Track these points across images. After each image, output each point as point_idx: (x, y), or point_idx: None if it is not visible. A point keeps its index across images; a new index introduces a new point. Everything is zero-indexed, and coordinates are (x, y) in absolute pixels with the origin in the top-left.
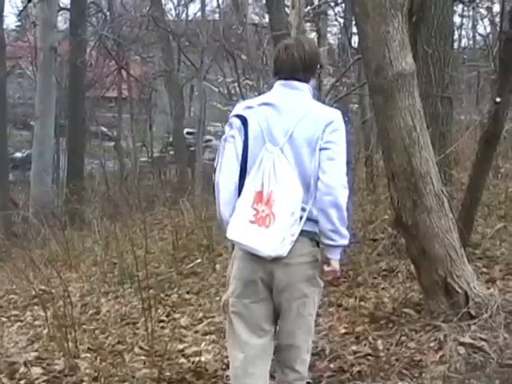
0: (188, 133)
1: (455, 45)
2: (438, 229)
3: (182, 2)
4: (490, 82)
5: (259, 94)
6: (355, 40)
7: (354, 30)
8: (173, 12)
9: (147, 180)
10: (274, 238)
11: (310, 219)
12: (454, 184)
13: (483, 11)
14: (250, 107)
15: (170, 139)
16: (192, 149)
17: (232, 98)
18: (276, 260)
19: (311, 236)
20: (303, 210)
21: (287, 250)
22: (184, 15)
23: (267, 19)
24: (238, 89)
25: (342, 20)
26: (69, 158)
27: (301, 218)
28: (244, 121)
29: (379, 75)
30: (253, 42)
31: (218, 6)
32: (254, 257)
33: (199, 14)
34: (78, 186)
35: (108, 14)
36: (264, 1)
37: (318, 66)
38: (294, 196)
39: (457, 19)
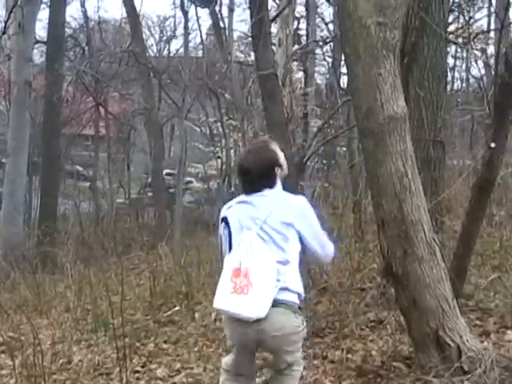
0: (168, 174)
1: (448, 87)
2: (429, 279)
3: (164, 38)
4: (484, 127)
5: (243, 135)
6: (344, 80)
7: (343, 69)
8: (154, 48)
9: (124, 222)
10: (254, 302)
11: (289, 290)
12: (446, 232)
13: (477, 53)
14: (230, 207)
15: (149, 180)
16: (171, 191)
17: (214, 139)
18: (264, 331)
19: (294, 309)
20: (278, 281)
21: (265, 312)
22: (166, 51)
23: (253, 57)
24: (220, 129)
25: (330, 59)
26: (41, 197)
27: (276, 286)
28: (226, 221)
29: (370, 118)
30: (237, 80)
31: (202, 42)
32: (239, 322)
33: (182, 50)
34: (50, 228)
35: (86, 48)
36: (250, 38)
37: (276, 167)
38: (267, 266)
39: (450, 61)
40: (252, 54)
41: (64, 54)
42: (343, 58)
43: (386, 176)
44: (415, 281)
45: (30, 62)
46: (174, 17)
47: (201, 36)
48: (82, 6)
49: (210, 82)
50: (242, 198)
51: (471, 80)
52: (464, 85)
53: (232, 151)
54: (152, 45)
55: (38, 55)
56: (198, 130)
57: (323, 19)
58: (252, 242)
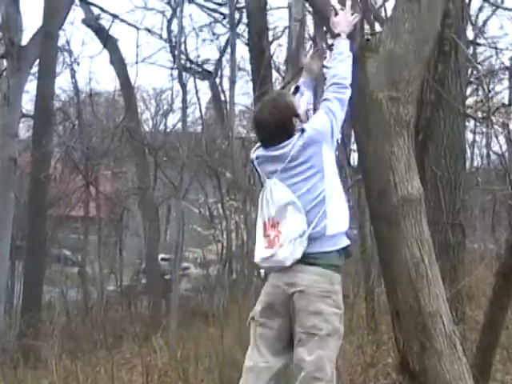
0: (163, 259)
1: (467, 165)
2: (449, 375)
3: (161, 112)
4: (507, 207)
5: (245, 217)
6: (354, 158)
7: (353, 146)
8: (150, 122)
9: (115, 312)
10: (286, 248)
11: (326, 236)
12: (468, 323)
13: (498, 128)
14: (257, 148)
15: (143, 266)
16: (167, 277)
17: (214, 221)
18: (294, 286)
19: (330, 270)
20: (309, 226)
21: (301, 253)
22: (162, 126)
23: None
24: (221, 210)
25: (339, 136)
26: (25, 284)
27: (307, 233)
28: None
29: (382, 200)
30: (239, 158)
31: (201, 117)
32: (276, 281)
33: (179, 125)
34: (34, 318)
35: (76, 122)
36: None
37: (293, 118)
38: (292, 209)
39: (469, 136)
40: None
41: (52, 129)
42: (353, 134)
43: (400, 262)
44: (434, 378)
45: (16, 138)
46: (172, 89)
47: (200, 110)
48: (73, 77)
49: (209, 160)
50: (261, 152)
51: (492, 157)
52: (484, 162)
53: (233, 234)
54: (147, 119)
55: (24, 130)
56: (197, 211)
57: None
58: (272, 191)
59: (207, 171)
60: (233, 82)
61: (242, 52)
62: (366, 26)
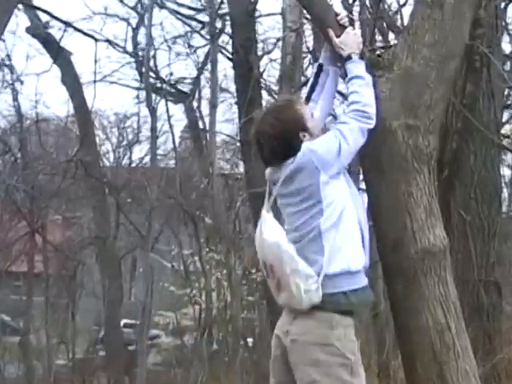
0: (127, 325)
1: (503, 207)
2: None
3: (124, 143)
4: None
5: (229, 273)
6: (363, 200)
7: (361, 186)
8: (110, 156)
9: None
10: (297, 295)
11: (328, 275)
12: None
13: None
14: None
15: (101, 334)
16: (131, 348)
17: (190, 278)
18: (287, 335)
19: (331, 305)
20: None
21: (319, 296)
22: (126, 160)
23: (242, 169)
24: (199, 265)
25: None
26: None
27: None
28: None
29: (398, 252)
30: (221, 200)
31: (174, 148)
32: (276, 329)
33: (147, 159)
34: None
35: (19, 155)
36: (238, 143)
37: (300, 133)
38: (283, 249)
39: (505, 172)
40: (241, 164)
41: None
42: (361, 172)
43: (421, 330)
44: None
45: None
46: (138, 115)
47: (173, 140)
48: (15, 99)
49: (184, 202)
50: (268, 171)
51: None
52: None
53: (214, 294)
54: (108, 152)
55: None
56: (169, 265)
57: (334, 116)
58: (262, 226)
59: (181, 216)
60: (213, 106)
61: (225, 69)
62: (378, 38)
